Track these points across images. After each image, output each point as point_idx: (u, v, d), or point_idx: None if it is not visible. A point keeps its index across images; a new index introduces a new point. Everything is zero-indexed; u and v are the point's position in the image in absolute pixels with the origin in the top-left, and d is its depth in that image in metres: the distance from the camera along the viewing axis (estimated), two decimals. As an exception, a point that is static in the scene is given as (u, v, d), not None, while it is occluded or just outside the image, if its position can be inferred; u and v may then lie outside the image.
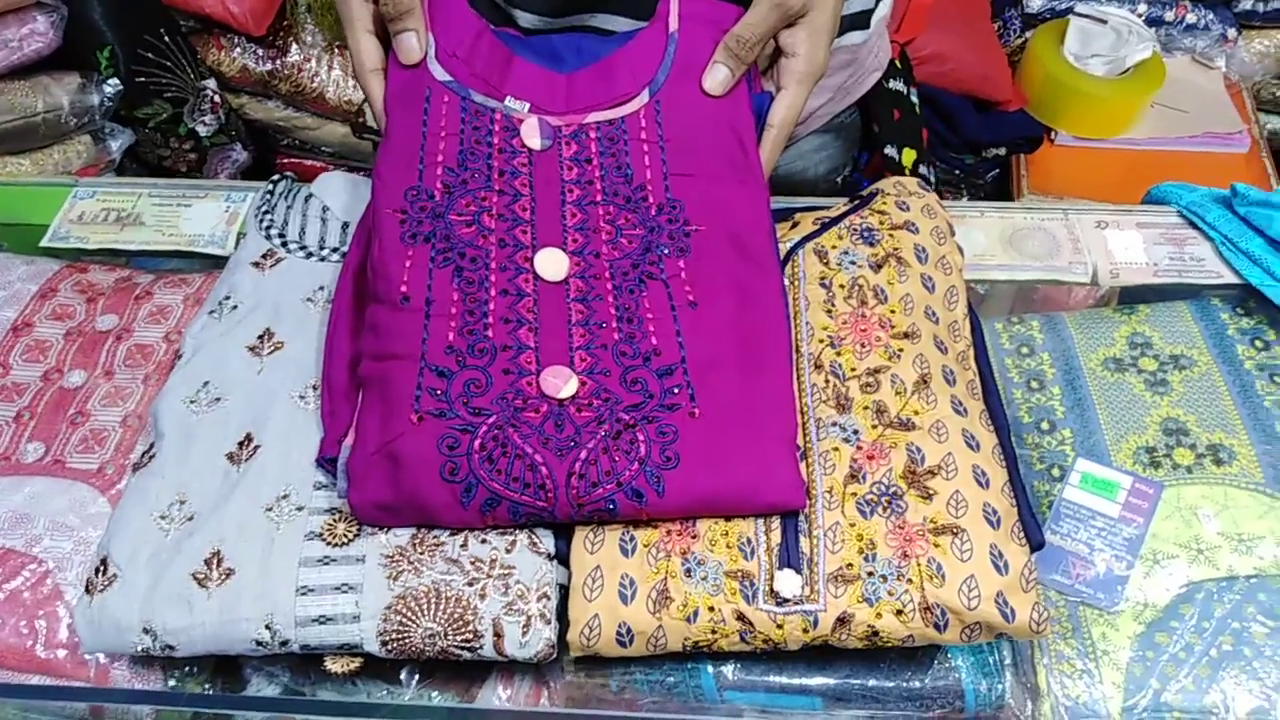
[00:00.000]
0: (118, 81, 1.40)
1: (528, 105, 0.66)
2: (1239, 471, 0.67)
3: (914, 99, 1.15)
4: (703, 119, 0.66)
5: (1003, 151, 1.67)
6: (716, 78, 0.66)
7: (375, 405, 0.58)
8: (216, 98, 1.50)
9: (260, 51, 1.53)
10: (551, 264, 0.62)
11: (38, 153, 1.37)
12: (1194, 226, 0.84)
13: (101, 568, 0.58)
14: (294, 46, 1.54)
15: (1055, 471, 0.69)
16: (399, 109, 0.65)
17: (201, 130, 1.51)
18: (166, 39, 1.44)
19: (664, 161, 0.65)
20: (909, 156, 1.13)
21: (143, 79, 1.42)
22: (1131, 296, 0.81)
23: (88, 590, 0.58)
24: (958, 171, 1.69)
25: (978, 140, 1.63)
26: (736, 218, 0.65)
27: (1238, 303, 0.77)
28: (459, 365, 0.58)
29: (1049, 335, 0.77)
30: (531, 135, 0.65)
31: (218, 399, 0.65)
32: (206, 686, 0.64)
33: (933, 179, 1.25)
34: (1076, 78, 1.65)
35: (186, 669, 0.63)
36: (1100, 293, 0.83)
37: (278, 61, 1.53)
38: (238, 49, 1.52)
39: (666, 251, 0.63)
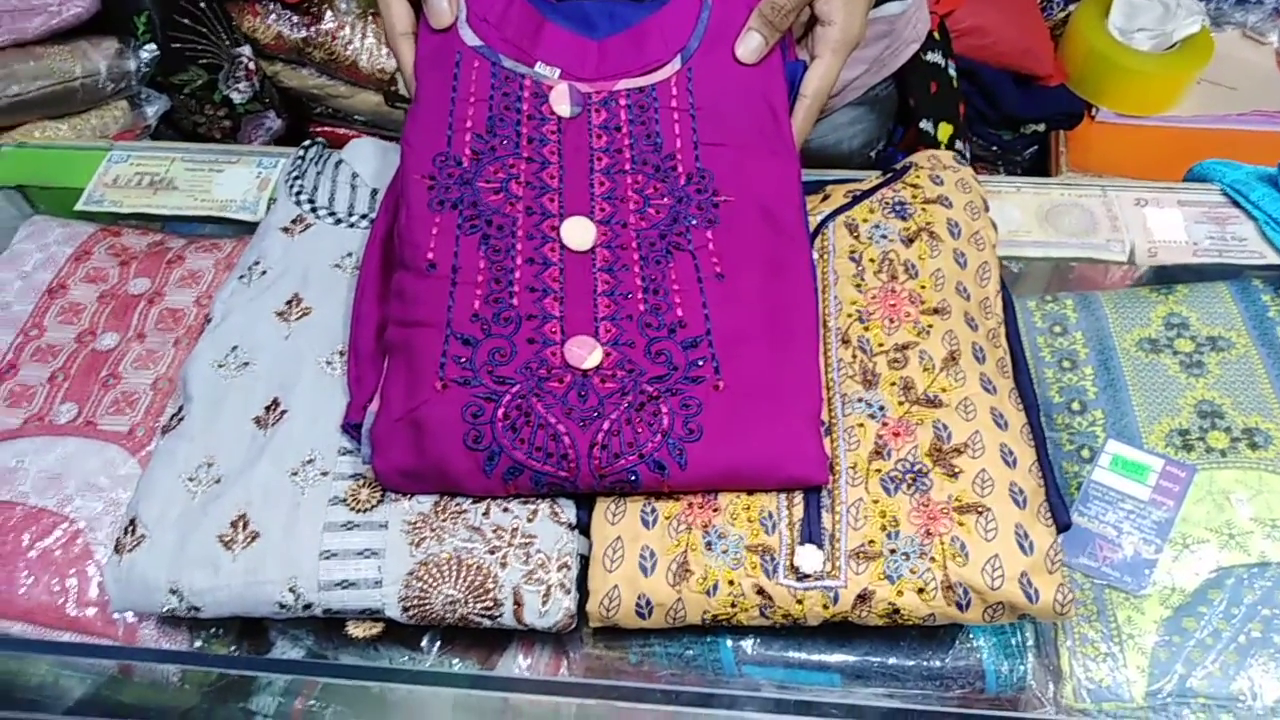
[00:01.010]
0: (154, 47, 1.40)
1: (558, 71, 0.66)
2: (1275, 456, 0.65)
3: (952, 72, 1.13)
4: (735, 87, 0.65)
5: (1042, 128, 1.63)
6: (750, 45, 0.65)
7: (400, 372, 0.59)
8: (251, 65, 1.51)
9: (295, 19, 1.53)
10: (578, 233, 0.61)
11: (75, 117, 1.38)
12: (1236, 205, 0.82)
13: (130, 528, 0.59)
14: (328, 14, 1.54)
15: (1085, 453, 0.68)
16: (428, 74, 0.65)
17: (236, 97, 1.51)
18: (202, 5, 1.45)
19: (694, 130, 0.64)
20: (945, 131, 1.11)
21: (178, 45, 1.43)
22: (1170, 276, 0.79)
23: (116, 550, 0.59)
24: (995, 147, 1.65)
25: (1017, 115, 1.59)
26: (766, 189, 0.64)
27: (1280, 284, 0.75)
28: (484, 333, 0.58)
29: (1083, 314, 0.76)
30: (561, 102, 0.65)
31: (246, 363, 0.65)
32: (232, 648, 0.65)
33: (968, 155, 1.23)
34: (1121, 53, 1.61)
35: (213, 630, 0.64)
36: (1138, 272, 0.82)
37: (312, 29, 1.53)
38: (272, 16, 1.52)
39: (694, 222, 0.62)
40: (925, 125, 1.05)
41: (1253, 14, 1.73)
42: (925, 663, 0.60)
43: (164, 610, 0.58)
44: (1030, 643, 0.61)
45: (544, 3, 0.69)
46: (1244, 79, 1.67)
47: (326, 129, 1.72)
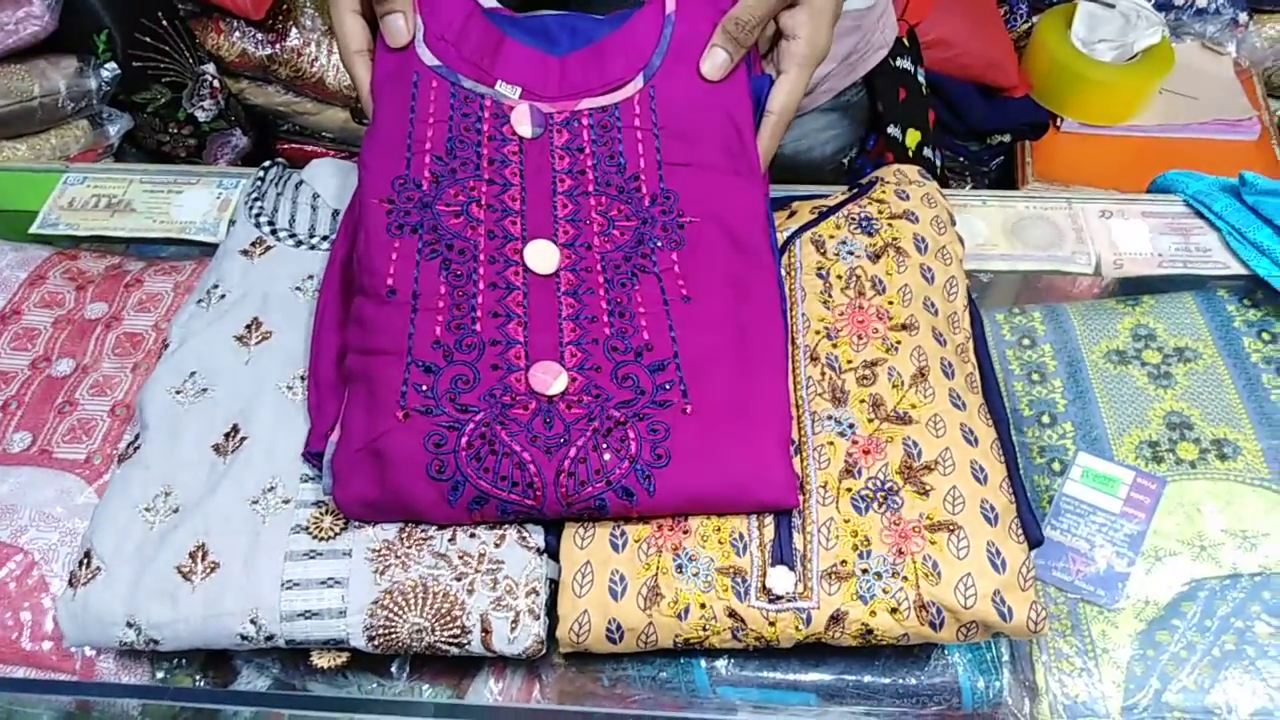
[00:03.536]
0: (115, 66, 1.38)
1: (519, 90, 0.65)
2: (1244, 467, 0.66)
3: (921, 79, 1.13)
4: (699, 105, 0.65)
5: (1007, 138, 1.65)
6: (715, 62, 0.64)
7: (361, 401, 0.57)
8: (215, 82, 1.49)
9: (260, 36, 1.51)
10: (542, 256, 0.60)
11: (34, 137, 1.36)
12: (1200, 216, 0.83)
13: (85, 560, 0.58)
14: (293, 31, 1.52)
15: (1056, 465, 0.68)
16: (386, 94, 0.63)
17: (200, 115, 1.50)
18: (165, 23, 1.43)
19: (658, 150, 0.64)
20: (913, 138, 1.11)
21: (141, 63, 1.41)
22: (1136, 287, 0.80)
23: (71, 583, 0.57)
24: (962, 158, 1.66)
25: (982, 127, 1.61)
26: (732, 209, 0.63)
27: (1244, 294, 0.75)
28: (446, 360, 0.57)
29: (1051, 326, 0.76)
30: (522, 123, 0.64)
31: (204, 389, 0.64)
32: (196, 678, 0.63)
33: (939, 163, 1.23)
34: (1083, 63, 1.63)
35: (175, 661, 0.63)
36: (1104, 283, 0.82)
37: (277, 46, 1.52)
38: (237, 33, 1.51)
39: (660, 244, 0.62)
40: (893, 131, 1.05)
41: (1211, 25, 1.76)
42: (900, 680, 0.59)
43: (121, 645, 0.56)
44: (1006, 658, 0.60)
45: (504, 18, 0.67)
46: (1204, 88, 1.70)
47: (293, 146, 1.70)
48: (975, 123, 1.59)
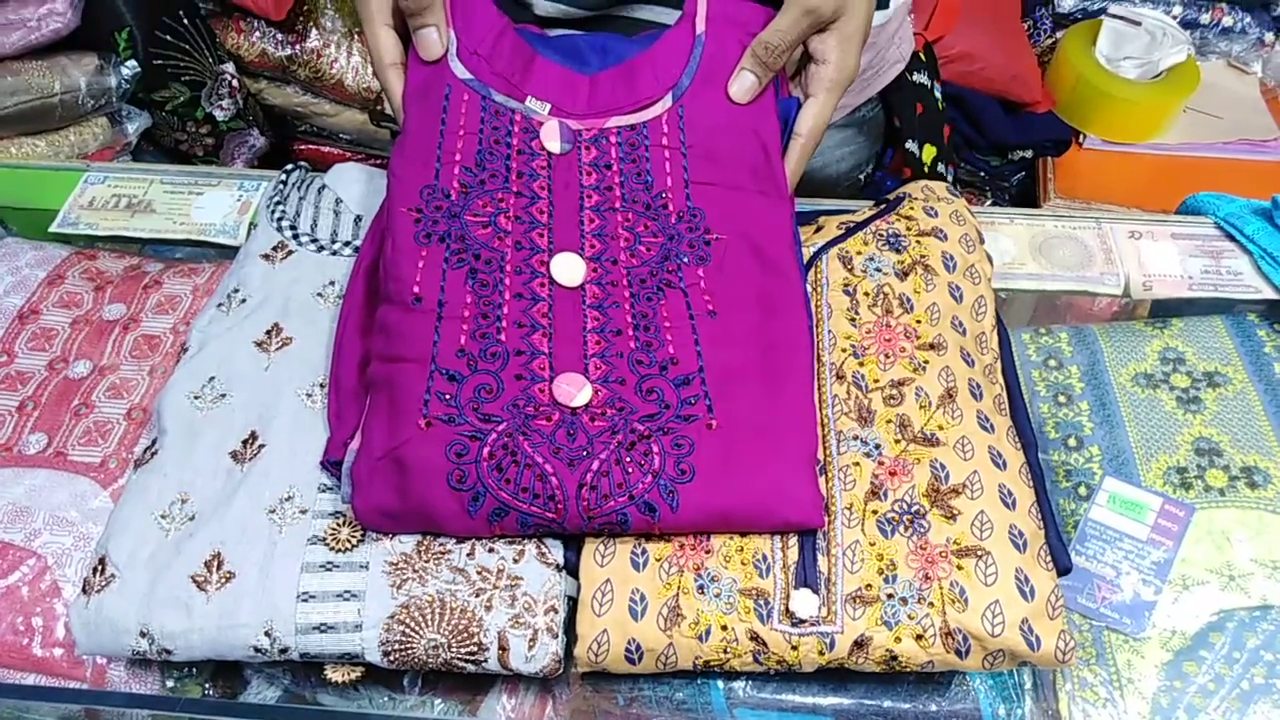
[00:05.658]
0: (135, 64, 1.38)
1: (549, 106, 0.64)
2: (1274, 495, 0.65)
3: (938, 94, 1.12)
4: (726, 125, 0.64)
5: (1029, 154, 1.63)
6: (743, 85, 0.64)
7: (383, 409, 0.57)
8: (235, 82, 1.49)
9: (279, 36, 1.51)
10: (568, 269, 0.60)
11: (54, 134, 1.36)
12: (1231, 239, 0.82)
13: (99, 567, 0.57)
14: (313, 32, 1.52)
15: (1082, 490, 0.67)
16: (417, 106, 0.63)
17: (219, 114, 1.49)
18: (185, 21, 1.43)
19: (685, 169, 0.63)
20: (929, 153, 1.10)
21: (161, 62, 1.41)
22: (1164, 310, 0.79)
23: (84, 590, 0.57)
24: (983, 173, 1.65)
25: (1004, 142, 1.60)
26: (758, 227, 0.63)
27: (1276, 319, 0.74)
28: (470, 369, 0.56)
29: (1078, 348, 0.75)
30: (551, 138, 0.63)
31: (223, 395, 0.63)
32: (206, 686, 0.63)
33: (950, 178, 1.22)
34: (1107, 80, 1.61)
35: (186, 670, 0.62)
36: (1124, 303, 0.81)
37: (297, 46, 1.52)
38: (257, 33, 1.51)
39: (686, 260, 0.61)
40: (910, 146, 1.04)
41: (1237, 44, 1.74)
42: (921, 706, 0.59)
43: (133, 654, 0.56)
44: (1028, 686, 0.60)
45: (536, 37, 0.68)
46: (1229, 108, 1.68)
47: (311, 147, 1.70)
48: (997, 137, 1.58)
